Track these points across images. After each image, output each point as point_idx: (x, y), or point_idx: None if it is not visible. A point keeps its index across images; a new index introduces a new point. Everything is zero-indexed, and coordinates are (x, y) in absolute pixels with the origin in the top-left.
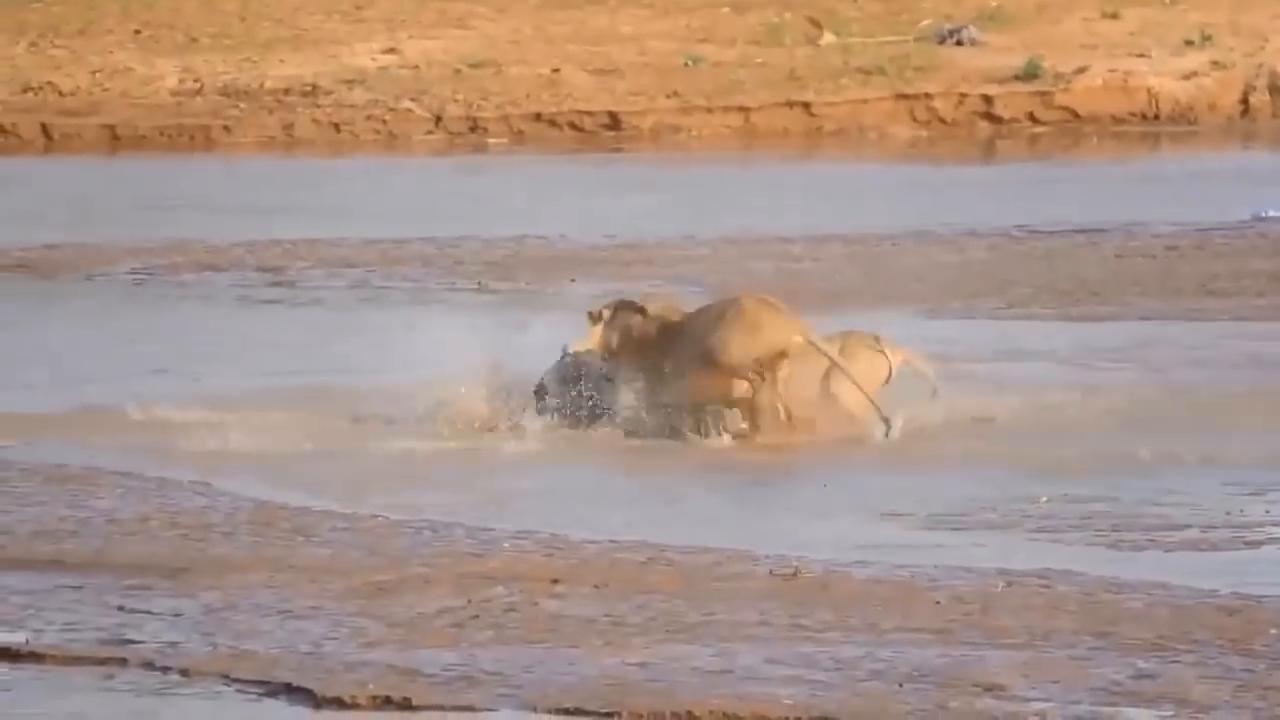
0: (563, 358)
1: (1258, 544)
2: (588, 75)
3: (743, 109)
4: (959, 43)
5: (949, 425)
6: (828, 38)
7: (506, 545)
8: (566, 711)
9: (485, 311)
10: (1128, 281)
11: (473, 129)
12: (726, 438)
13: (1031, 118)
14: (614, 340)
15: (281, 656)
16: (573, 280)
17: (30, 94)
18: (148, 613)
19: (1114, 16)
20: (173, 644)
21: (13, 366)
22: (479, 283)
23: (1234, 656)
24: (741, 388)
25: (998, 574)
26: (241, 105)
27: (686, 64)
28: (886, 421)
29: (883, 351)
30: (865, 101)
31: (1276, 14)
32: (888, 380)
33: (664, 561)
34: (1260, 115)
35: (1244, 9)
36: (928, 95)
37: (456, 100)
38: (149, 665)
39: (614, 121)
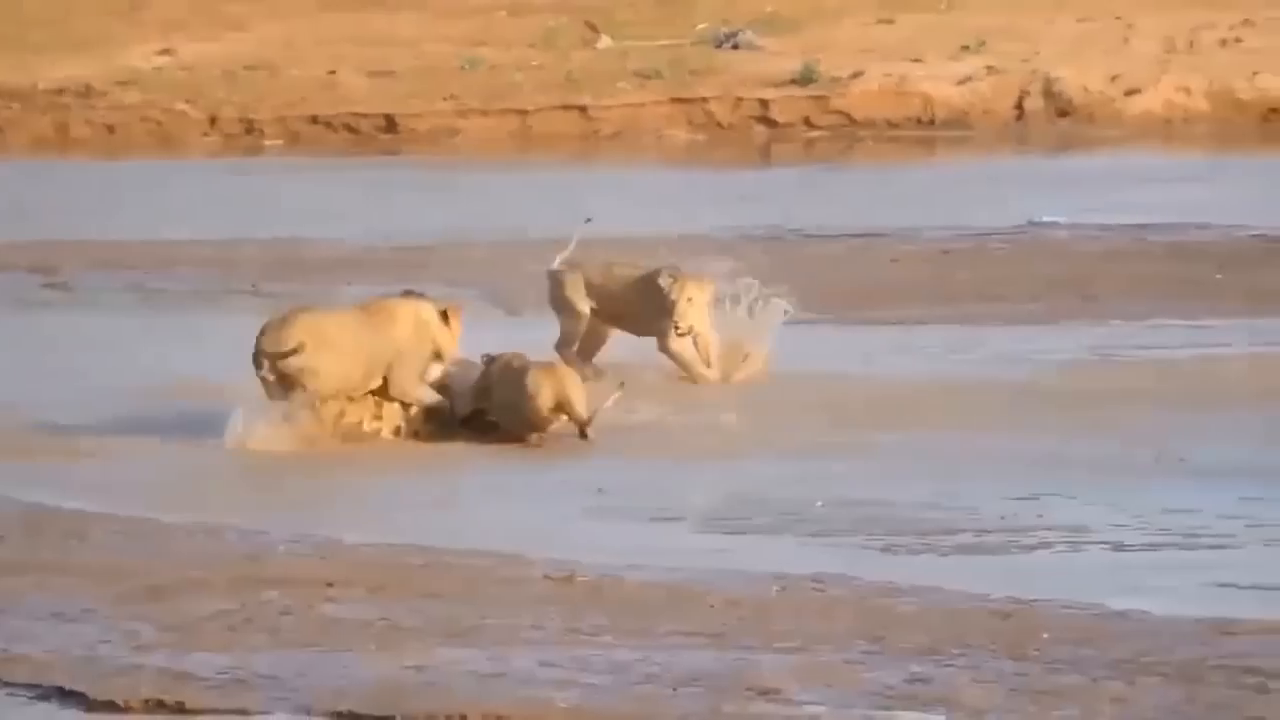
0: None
1: (1030, 549)
2: (364, 78)
3: (520, 112)
4: (735, 46)
5: (718, 430)
6: (604, 41)
7: (281, 549)
8: (341, 715)
9: (260, 313)
10: (903, 285)
11: (248, 131)
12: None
13: (808, 122)
14: None
15: (54, 660)
16: (349, 284)
17: None
18: None
19: (889, 22)
20: None
21: None
22: (253, 285)
23: (1007, 661)
24: None
25: (772, 578)
26: (14, 105)
27: (463, 67)
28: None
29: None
30: (642, 105)
31: (1050, 19)
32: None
33: (440, 565)
34: (1035, 120)
35: (1018, 14)
36: (704, 99)
37: (232, 102)
38: None
39: (390, 124)
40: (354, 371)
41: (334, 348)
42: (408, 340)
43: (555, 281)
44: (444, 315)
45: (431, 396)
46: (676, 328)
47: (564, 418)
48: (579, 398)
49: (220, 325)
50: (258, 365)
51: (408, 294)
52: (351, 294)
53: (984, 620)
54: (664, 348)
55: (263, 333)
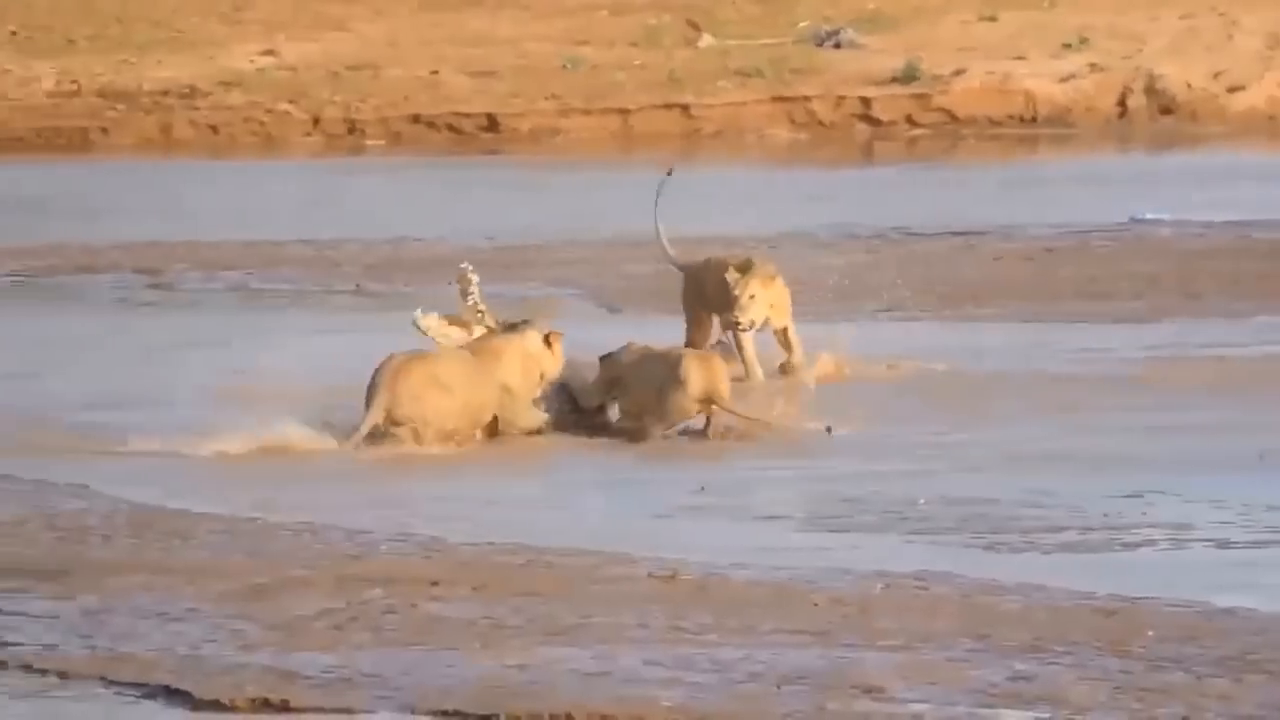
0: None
1: (1134, 546)
2: (466, 77)
3: (621, 111)
4: (837, 45)
5: (819, 428)
6: (706, 40)
7: (384, 548)
8: (445, 713)
9: (363, 314)
10: (1006, 284)
11: (350, 131)
12: None
13: (909, 120)
14: None
15: (160, 659)
16: (450, 283)
17: None
18: (25, 615)
19: (992, 19)
20: (51, 646)
21: None
22: (356, 285)
23: (1111, 658)
24: None
25: (876, 576)
26: (119, 107)
27: (565, 66)
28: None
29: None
30: (744, 104)
31: (1153, 16)
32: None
33: (542, 564)
34: (1137, 118)
35: (1121, 11)
36: (806, 98)
37: (334, 102)
38: (27, 668)
39: (492, 123)
40: (463, 417)
41: (446, 393)
42: (516, 377)
43: (688, 275)
44: (546, 340)
45: (540, 419)
46: (736, 322)
47: (702, 412)
48: (727, 391)
49: (323, 325)
50: (371, 405)
51: (510, 328)
52: (453, 293)
53: (1088, 618)
54: (734, 338)
55: (379, 377)
